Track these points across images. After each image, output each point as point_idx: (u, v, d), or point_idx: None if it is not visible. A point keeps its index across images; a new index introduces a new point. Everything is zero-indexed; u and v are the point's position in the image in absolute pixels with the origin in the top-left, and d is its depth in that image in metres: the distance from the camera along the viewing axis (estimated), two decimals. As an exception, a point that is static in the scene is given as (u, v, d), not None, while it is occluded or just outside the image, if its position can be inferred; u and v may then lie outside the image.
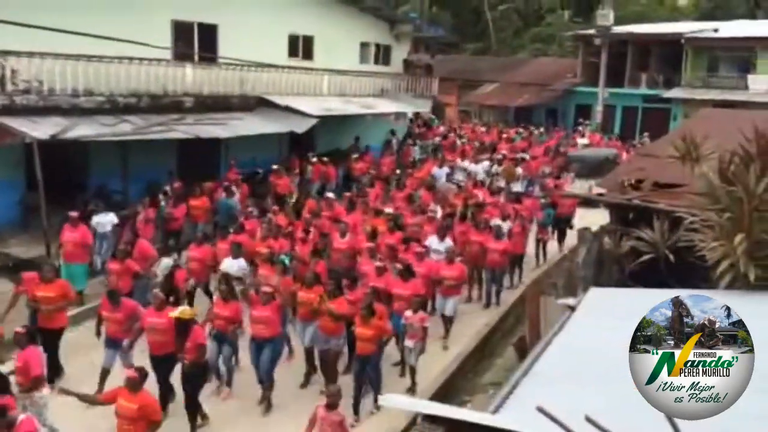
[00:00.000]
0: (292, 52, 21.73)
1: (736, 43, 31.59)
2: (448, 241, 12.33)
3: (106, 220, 13.06)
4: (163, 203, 14.51)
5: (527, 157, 22.43)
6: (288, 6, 21.03)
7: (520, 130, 30.99)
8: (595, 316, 5.87)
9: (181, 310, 8.14)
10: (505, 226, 13.58)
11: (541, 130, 31.57)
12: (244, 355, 9.45)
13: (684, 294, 6.27)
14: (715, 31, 32.30)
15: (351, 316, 9.01)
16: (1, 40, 12.51)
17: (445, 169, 20.51)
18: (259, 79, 19.16)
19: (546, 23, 48.45)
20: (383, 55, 25.82)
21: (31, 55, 13.80)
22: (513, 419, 3.29)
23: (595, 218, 14.04)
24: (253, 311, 8.89)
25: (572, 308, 6.14)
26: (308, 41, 22.31)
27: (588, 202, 18.91)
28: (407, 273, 10.06)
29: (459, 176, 20.31)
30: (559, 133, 31.36)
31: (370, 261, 10.89)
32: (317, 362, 9.65)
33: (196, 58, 18.44)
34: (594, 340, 5.25)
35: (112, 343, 8.81)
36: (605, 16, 31.91)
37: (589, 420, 2.60)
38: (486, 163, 21.61)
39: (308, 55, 22.32)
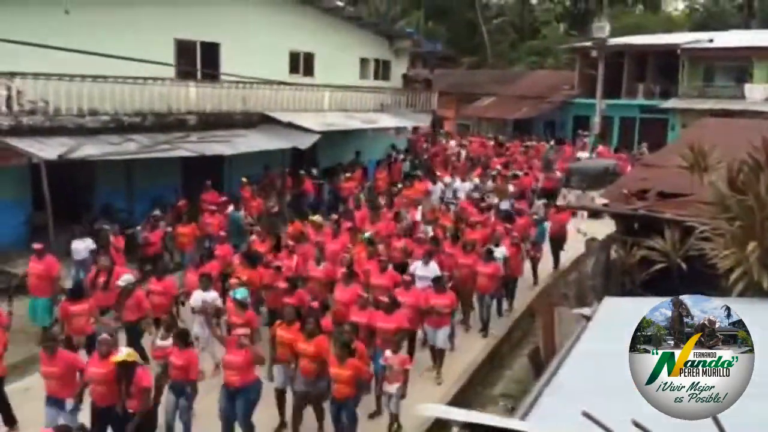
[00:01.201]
0: (293, 68, 21.94)
1: (731, 53, 31.85)
2: (434, 266, 11.50)
3: (82, 247, 12.38)
4: (138, 228, 13.96)
5: (520, 174, 21.78)
6: (289, 23, 21.26)
7: (531, 143, 30.52)
8: (612, 325, 5.92)
9: (128, 353, 7.36)
10: (499, 252, 12.59)
11: (552, 143, 31.12)
12: (209, 401, 8.37)
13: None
14: (711, 41, 32.58)
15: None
16: (7, 61, 12.63)
17: (440, 185, 20.03)
18: (262, 96, 19.30)
19: (541, 36, 48.87)
20: (383, 70, 26.04)
21: (36, 76, 13.91)
22: (555, 426, 3.34)
23: (594, 228, 14.09)
24: (226, 356, 7.96)
25: (588, 318, 6.20)
26: (309, 58, 22.52)
27: (592, 213, 18.86)
28: (391, 304, 9.17)
29: (449, 194, 19.82)
30: (569, 145, 30.77)
31: (345, 288, 10.15)
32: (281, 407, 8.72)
33: (199, 75, 18.60)
34: (612, 349, 5.29)
35: (53, 402, 7.61)
36: (601, 28, 32.17)
37: (636, 424, 2.65)
38: (476, 180, 20.97)
39: (309, 71, 22.52)
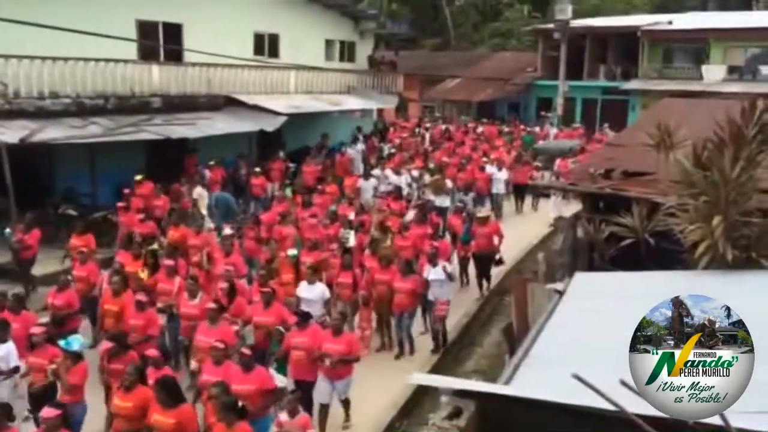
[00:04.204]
0: (258, 50, 21.71)
1: (690, 34, 32.43)
2: (321, 288, 9.50)
3: None
4: (8, 230, 12.06)
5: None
6: (252, 4, 21.03)
7: (505, 128, 29.58)
8: (584, 299, 6.09)
9: None
10: (438, 271, 10.35)
11: (533, 128, 30.45)
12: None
13: (663, 276, 6.55)
14: (670, 23, 33.15)
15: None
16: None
17: (373, 181, 17.55)
18: (227, 78, 19.09)
19: (504, 18, 49.09)
20: (348, 52, 25.92)
21: (-6, 57, 13.57)
22: (538, 390, 3.44)
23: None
24: None
25: (560, 292, 6.35)
26: (274, 39, 22.31)
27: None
28: (247, 360, 6.95)
29: (383, 188, 17.39)
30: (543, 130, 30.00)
31: (209, 329, 7.84)
32: None
33: (162, 57, 18.30)
34: (586, 320, 5.46)
35: None
36: (563, 10, 32.44)
37: (623, 383, 2.75)
38: (415, 173, 18.83)
39: (274, 52, 22.31)
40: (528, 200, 20.43)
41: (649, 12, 41.60)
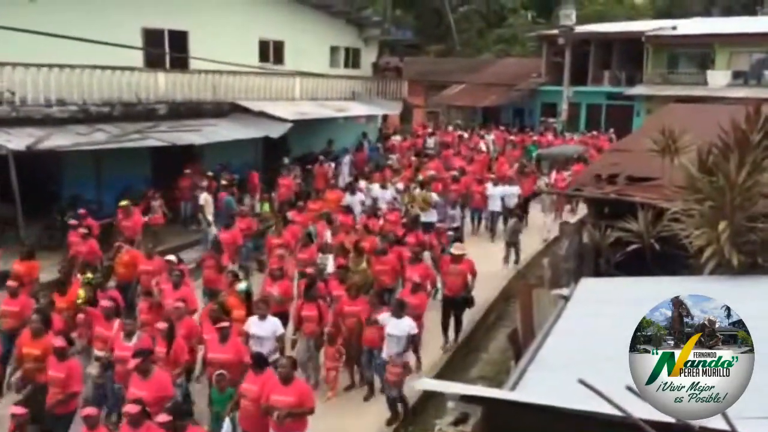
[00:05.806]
0: (263, 57, 21.83)
1: (694, 40, 32.48)
2: (273, 323, 8.35)
3: None
4: None
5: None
6: (258, 11, 21.14)
7: (512, 137, 28.75)
8: (590, 304, 6.08)
9: None
10: (404, 326, 8.65)
11: (547, 136, 29.44)
12: None
13: (669, 281, 6.54)
14: (674, 28, 33.18)
15: None
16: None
17: (359, 196, 16.23)
18: (232, 85, 19.18)
19: (508, 24, 49.21)
20: (353, 58, 26.03)
21: (2, 65, 13.66)
22: (544, 395, 3.45)
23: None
24: None
25: (566, 298, 6.35)
26: (279, 46, 22.43)
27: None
28: (180, 414, 6.17)
29: (368, 203, 16.28)
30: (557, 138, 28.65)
31: (143, 382, 6.86)
32: None
33: (168, 64, 18.41)
34: (592, 326, 5.46)
35: None
36: (568, 16, 32.52)
37: (629, 389, 2.75)
38: (400, 185, 17.55)
39: (279, 59, 22.43)
40: (539, 214, 18.84)
41: (652, 18, 41.61)
